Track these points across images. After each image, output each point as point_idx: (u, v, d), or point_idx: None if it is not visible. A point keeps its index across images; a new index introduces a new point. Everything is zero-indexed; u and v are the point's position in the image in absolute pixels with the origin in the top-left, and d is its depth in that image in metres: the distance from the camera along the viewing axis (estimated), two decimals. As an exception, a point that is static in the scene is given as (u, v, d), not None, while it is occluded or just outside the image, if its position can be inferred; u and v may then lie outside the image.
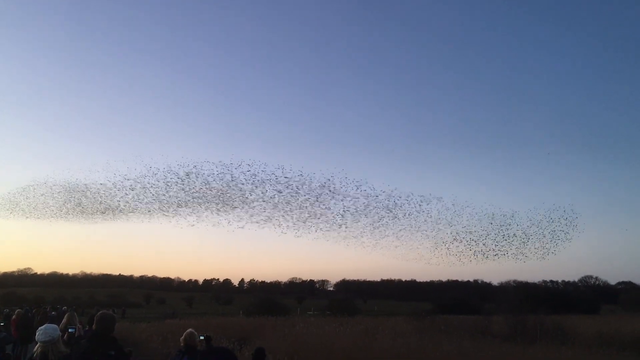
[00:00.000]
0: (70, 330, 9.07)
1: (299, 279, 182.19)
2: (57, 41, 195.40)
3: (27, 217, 42.61)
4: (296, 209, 40.58)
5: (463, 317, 37.78)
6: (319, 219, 41.19)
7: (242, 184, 39.17)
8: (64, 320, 10.37)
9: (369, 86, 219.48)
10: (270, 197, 39.96)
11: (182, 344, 7.81)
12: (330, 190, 40.30)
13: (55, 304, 55.61)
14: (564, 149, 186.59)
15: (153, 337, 22.15)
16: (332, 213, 41.57)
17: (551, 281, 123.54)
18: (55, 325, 5.84)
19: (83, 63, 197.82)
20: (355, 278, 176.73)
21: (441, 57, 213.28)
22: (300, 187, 39.78)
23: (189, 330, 8.04)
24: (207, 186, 39.04)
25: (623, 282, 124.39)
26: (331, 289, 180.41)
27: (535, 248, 40.27)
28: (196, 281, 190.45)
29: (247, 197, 39.59)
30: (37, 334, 5.55)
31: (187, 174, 38.76)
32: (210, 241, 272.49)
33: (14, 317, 19.67)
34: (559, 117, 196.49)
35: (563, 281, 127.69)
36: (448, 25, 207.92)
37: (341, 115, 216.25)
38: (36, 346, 5.57)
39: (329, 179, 40.10)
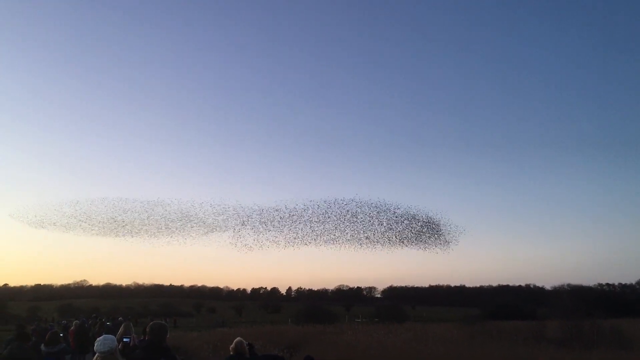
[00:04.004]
0: (125, 340, 9.32)
1: (346, 286, 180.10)
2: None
3: (81, 231, 44.25)
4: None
5: (515, 323, 36.73)
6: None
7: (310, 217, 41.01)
8: (121, 330, 10.68)
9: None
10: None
11: (232, 352, 7.95)
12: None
13: (110, 314, 57.40)
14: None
15: (204, 346, 22.52)
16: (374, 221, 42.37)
17: (607, 284, 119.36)
18: (113, 336, 6.01)
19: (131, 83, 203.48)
20: (403, 284, 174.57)
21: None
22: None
23: (238, 338, 8.18)
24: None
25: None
26: (378, 295, 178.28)
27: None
28: (244, 290, 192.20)
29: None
30: (96, 344, 5.72)
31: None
32: (257, 251, 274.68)
33: (72, 328, 20.43)
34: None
35: (620, 284, 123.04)
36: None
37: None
38: (95, 356, 5.76)
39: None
